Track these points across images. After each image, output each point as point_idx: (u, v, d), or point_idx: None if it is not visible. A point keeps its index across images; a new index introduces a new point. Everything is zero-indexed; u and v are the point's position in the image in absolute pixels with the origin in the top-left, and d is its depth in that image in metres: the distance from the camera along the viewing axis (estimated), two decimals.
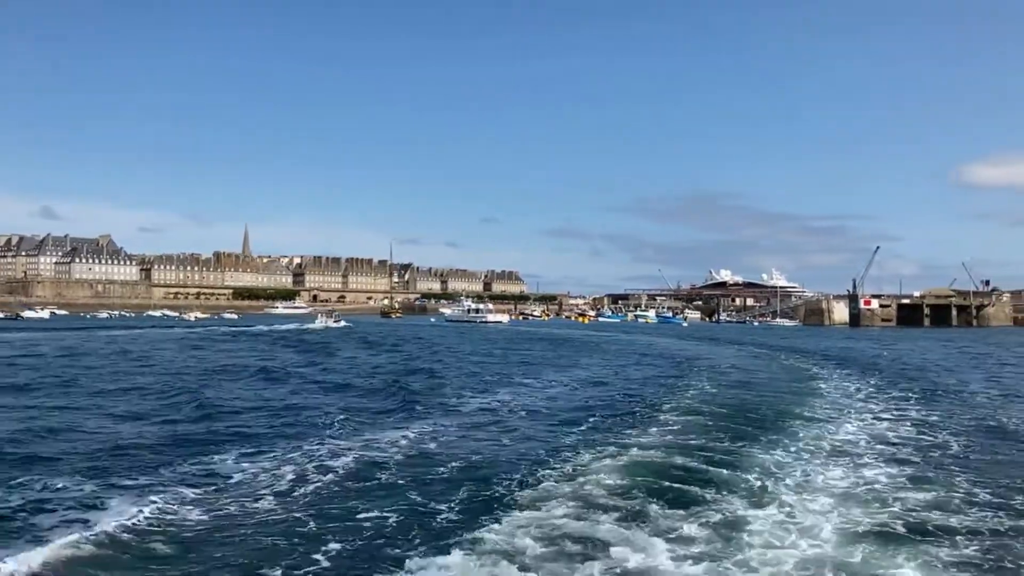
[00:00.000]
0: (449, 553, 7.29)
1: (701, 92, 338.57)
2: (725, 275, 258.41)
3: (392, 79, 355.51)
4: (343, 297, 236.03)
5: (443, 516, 8.69)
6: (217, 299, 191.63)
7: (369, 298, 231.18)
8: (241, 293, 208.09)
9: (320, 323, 78.75)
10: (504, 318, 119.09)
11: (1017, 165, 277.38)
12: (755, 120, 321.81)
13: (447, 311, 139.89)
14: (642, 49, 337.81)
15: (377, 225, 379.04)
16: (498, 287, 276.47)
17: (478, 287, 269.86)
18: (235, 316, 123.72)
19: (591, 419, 15.88)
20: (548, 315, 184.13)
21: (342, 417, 15.49)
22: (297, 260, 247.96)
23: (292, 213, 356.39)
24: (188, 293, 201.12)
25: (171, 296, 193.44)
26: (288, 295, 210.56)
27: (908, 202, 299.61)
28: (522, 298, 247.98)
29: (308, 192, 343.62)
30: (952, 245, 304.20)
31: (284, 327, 71.27)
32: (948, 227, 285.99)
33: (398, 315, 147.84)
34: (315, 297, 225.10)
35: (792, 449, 12.65)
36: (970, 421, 16.17)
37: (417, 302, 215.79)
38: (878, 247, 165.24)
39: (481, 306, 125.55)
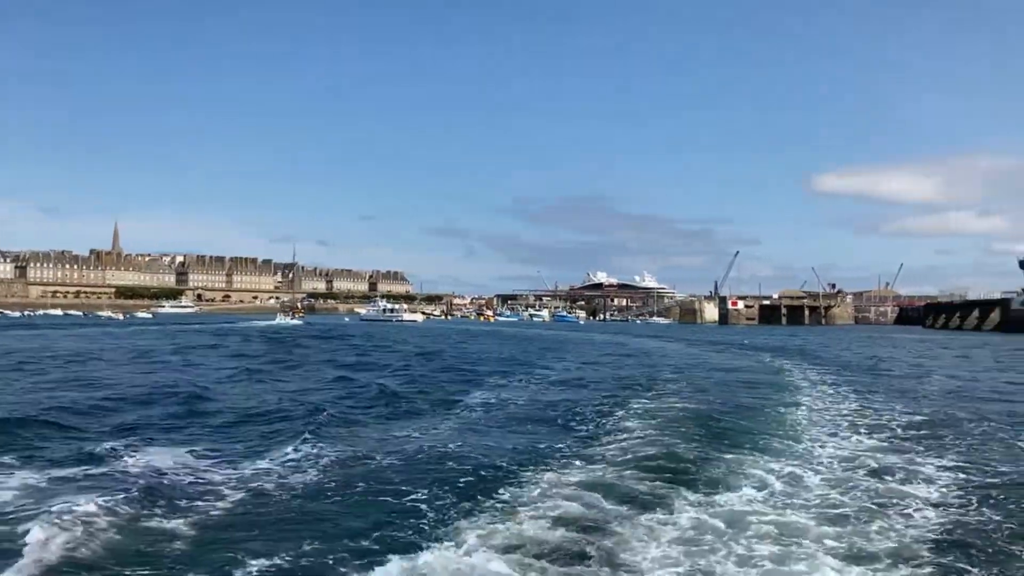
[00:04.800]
0: (421, 551, 7.00)
1: (572, 95, 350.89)
2: (601, 276, 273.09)
3: (260, 67, 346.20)
4: (228, 296, 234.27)
5: (421, 517, 8.19)
6: (99, 298, 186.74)
7: (255, 297, 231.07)
8: (124, 292, 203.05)
9: (281, 320, 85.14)
10: (419, 317, 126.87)
11: (863, 176, 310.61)
12: (628, 123, 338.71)
13: (362, 310, 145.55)
14: (520, 50, 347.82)
15: (251, 222, 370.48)
16: (384, 287, 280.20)
17: (363, 287, 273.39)
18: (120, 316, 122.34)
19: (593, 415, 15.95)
20: (447, 316, 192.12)
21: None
22: (180, 259, 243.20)
23: (159, 209, 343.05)
24: (67, 292, 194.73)
25: (49, 295, 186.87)
26: (172, 294, 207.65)
27: (767, 208, 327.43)
28: (409, 298, 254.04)
29: (174, 187, 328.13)
30: (804, 249, 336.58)
31: (254, 324, 76.08)
32: (801, 232, 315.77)
33: (300, 314, 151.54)
34: (200, 296, 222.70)
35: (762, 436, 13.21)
36: (818, 369, 26.68)
37: (304, 301, 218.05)
38: (738, 251, 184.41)
39: (396, 306, 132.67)
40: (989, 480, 10.22)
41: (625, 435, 13.16)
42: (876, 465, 10.87)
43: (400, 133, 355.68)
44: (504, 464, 10.68)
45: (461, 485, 9.48)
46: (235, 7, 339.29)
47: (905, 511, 8.60)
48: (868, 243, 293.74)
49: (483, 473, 10.11)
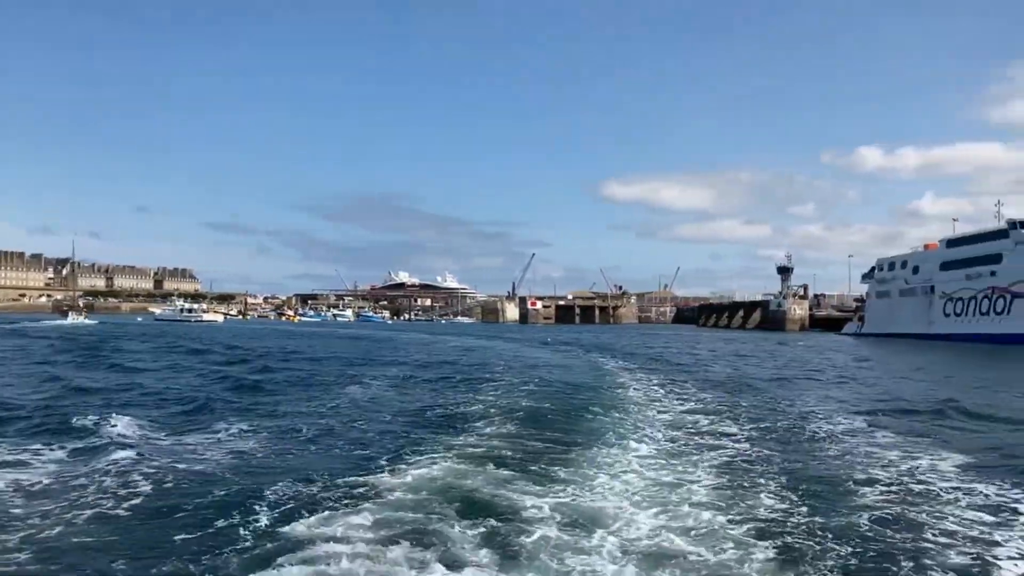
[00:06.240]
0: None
1: (366, 94, 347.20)
2: (403, 276, 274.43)
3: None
4: None
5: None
6: None
7: (22, 295, 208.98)
8: None
9: (74, 320, 78.79)
10: (219, 318, 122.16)
11: (644, 184, 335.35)
12: (423, 124, 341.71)
13: (156, 310, 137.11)
14: (311, 46, 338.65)
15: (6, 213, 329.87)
16: (170, 285, 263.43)
17: (148, 285, 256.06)
18: None
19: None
20: (244, 316, 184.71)
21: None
22: None
23: None
24: None
25: None
26: None
27: (558, 211, 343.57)
28: (198, 297, 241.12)
29: None
30: (593, 252, 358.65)
31: (43, 324, 70.02)
32: (590, 236, 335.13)
33: (84, 312, 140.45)
34: None
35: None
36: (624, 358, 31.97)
37: (80, 300, 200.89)
38: (534, 253, 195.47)
39: (195, 305, 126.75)
40: (766, 426, 14.45)
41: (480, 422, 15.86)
42: (689, 425, 14.58)
43: (178, 127, 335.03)
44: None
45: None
46: None
47: (717, 448, 12.18)
48: (649, 247, 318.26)
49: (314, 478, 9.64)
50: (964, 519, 8.05)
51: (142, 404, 16.95)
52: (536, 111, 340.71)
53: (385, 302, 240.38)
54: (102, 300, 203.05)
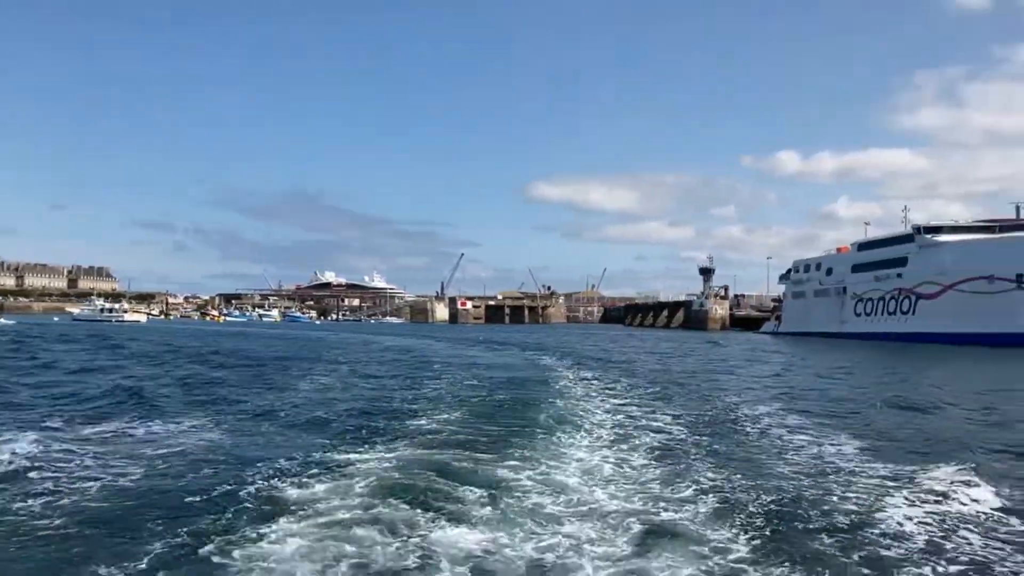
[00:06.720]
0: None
1: (289, 88, 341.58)
2: (329, 276, 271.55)
3: None
4: None
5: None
6: None
7: None
8: None
9: None
10: (142, 318, 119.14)
11: (571, 185, 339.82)
12: (343, 123, 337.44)
13: (74, 309, 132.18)
14: (233, 39, 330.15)
15: None
16: (86, 284, 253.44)
17: (62, 284, 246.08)
18: None
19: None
20: (166, 316, 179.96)
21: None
22: None
23: None
24: None
25: None
26: None
27: (485, 212, 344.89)
28: (116, 296, 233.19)
29: None
30: (521, 252, 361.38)
31: None
32: (518, 236, 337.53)
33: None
34: None
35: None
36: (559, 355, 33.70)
37: None
38: (463, 253, 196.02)
39: (116, 305, 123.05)
40: (696, 414, 16.02)
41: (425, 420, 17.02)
42: (625, 414, 16.02)
43: (94, 122, 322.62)
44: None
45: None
46: None
47: (655, 432, 13.61)
48: (577, 247, 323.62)
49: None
50: (860, 485, 9.63)
51: (68, 405, 17.19)
52: (461, 111, 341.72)
53: (311, 302, 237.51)
54: (12, 300, 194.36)
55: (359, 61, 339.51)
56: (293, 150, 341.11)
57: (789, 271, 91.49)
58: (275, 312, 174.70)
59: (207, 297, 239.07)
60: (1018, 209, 64.51)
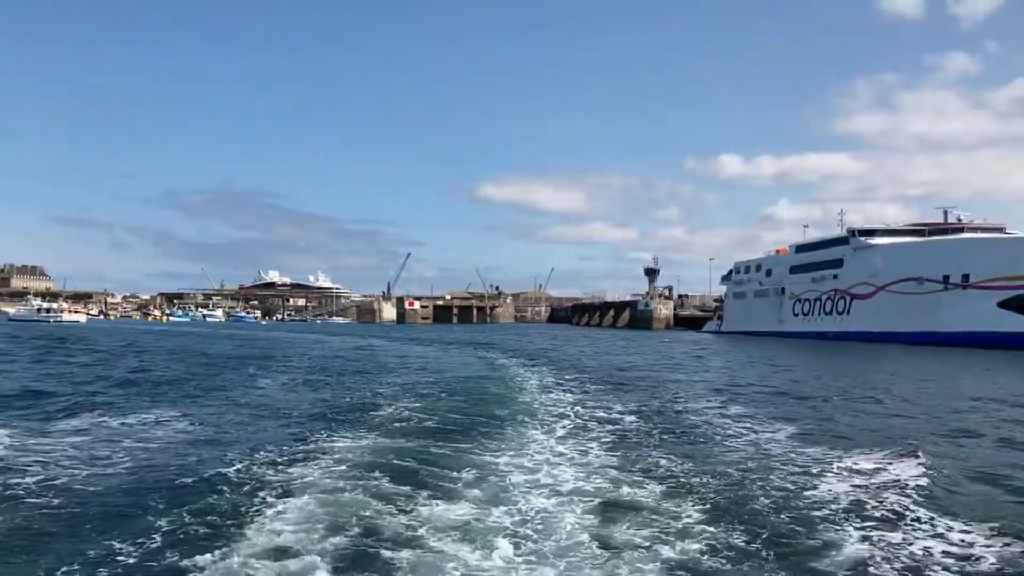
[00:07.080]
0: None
1: (226, 84, 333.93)
2: (274, 276, 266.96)
3: None
4: None
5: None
6: None
7: None
8: None
9: None
10: (82, 318, 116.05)
11: (517, 184, 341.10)
12: (284, 121, 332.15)
13: (10, 310, 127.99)
14: (169, 31, 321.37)
15: None
16: (19, 283, 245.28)
17: None
18: None
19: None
20: (105, 316, 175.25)
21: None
22: None
23: None
24: None
25: None
26: None
27: (430, 211, 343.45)
28: (52, 295, 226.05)
29: None
30: (468, 252, 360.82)
31: None
32: (464, 236, 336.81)
33: None
34: None
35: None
36: (519, 356, 34.75)
37: None
38: (409, 253, 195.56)
39: (54, 305, 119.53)
40: (645, 407, 17.10)
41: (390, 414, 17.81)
42: (580, 408, 17.00)
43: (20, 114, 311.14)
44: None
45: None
46: None
47: (608, 423, 14.59)
48: (523, 248, 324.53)
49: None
50: (796, 464, 10.76)
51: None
52: (404, 110, 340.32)
53: (256, 302, 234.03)
54: None
55: (293, 58, 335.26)
56: (223, 147, 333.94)
57: (731, 272, 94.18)
58: (219, 312, 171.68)
59: (147, 296, 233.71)
60: (946, 213, 67.88)
